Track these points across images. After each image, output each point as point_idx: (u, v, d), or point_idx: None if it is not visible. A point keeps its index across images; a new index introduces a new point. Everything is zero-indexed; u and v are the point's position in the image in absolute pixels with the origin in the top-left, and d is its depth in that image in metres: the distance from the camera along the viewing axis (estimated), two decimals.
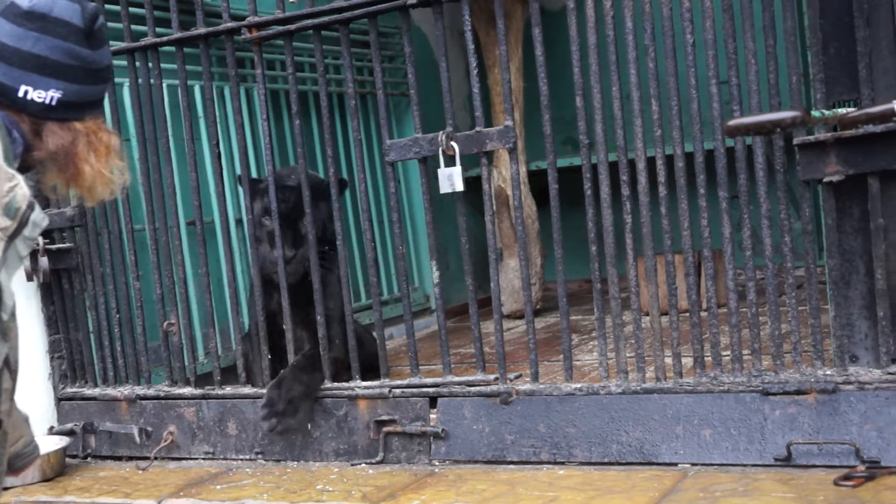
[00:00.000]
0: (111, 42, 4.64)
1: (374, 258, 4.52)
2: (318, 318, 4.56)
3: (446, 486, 3.94)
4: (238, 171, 4.87)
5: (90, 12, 2.81)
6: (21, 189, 2.66)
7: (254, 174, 5.09)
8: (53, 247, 4.99)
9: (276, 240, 4.62)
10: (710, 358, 3.98)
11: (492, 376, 4.26)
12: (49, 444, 4.75)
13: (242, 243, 5.61)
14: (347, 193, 6.52)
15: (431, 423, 4.30)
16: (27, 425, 3.14)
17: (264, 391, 4.52)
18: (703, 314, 4.16)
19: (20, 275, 4.90)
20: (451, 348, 4.71)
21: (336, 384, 4.54)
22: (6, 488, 4.45)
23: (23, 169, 2.84)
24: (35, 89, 2.75)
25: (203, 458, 4.74)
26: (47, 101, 2.77)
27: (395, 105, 7.13)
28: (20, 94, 2.75)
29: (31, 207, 2.70)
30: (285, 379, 4.50)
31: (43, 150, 2.84)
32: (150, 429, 4.85)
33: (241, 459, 4.65)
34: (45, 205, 4.94)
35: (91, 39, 2.82)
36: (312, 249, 4.56)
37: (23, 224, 2.69)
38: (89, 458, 4.96)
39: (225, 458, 4.69)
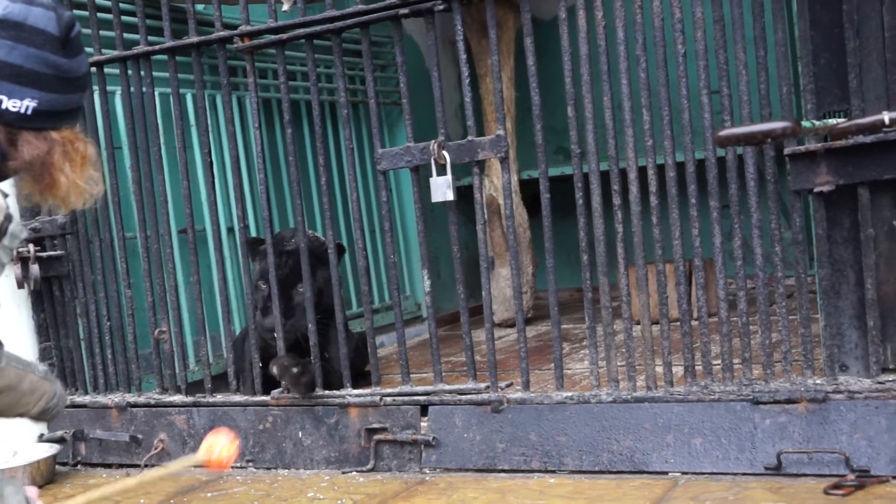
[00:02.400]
0: (104, 50, 4.70)
1: (365, 266, 4.52)
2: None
3: (437, 494, 3.95)
4: (230, 180, 4.86)
5: (66, 21, 2.77)
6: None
7: (245, 183, 5.08)
8: (44, 254, 4.99)
9: (274, 306, 4.66)
10: (700, 367, 3.99)
11: (483, 384, 4.27)
12: (39, 451, 4.75)
13: (234, 252, 5.61)
14: (339, 202, 6.54)
15: (422, 431, 4.31)
16: (46, 380, 3.25)
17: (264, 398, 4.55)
18: (694, 323, 4.17)
19: (10, 282, 4.90)
20: (443, 356, 4.72)
21: (327, 392, 4.55)
22: None
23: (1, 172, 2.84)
24: (10, 98, 2.71)
25: (193, 466, 4.72)
26: (22, 111, 2.73)
27: (387, 114, 7.14)
28: None
29: (8, 219, 2.73)
30: (286, 357, 4.54)
31: (18, 160, 2.80)
32: (140, 436, 4.85)
33: (232, 467, 4.64)
34: (37, 212, 4.95)
35: (67, 48, 2.78)
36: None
37: (2, 234, 2.70)
38: (79, 466, 4.96)
39: None
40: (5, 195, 2.77)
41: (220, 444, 3.30)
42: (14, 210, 2.88)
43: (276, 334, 4.63)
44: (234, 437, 3.33)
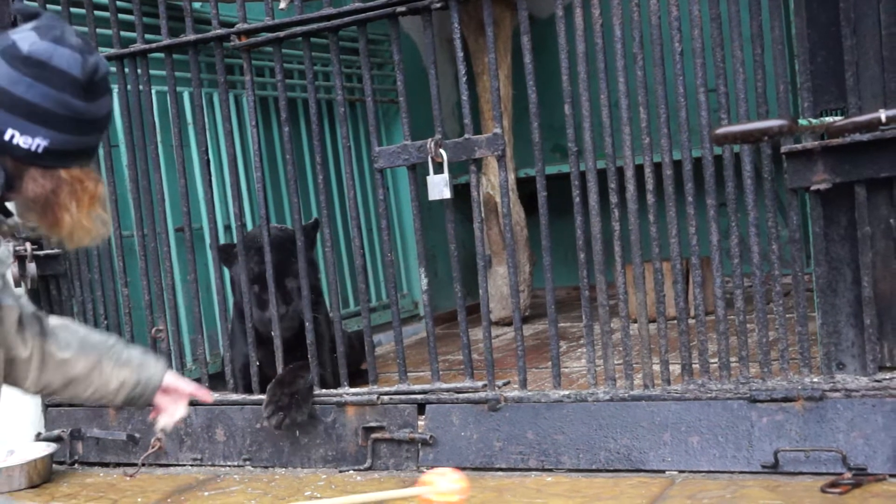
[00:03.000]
0: (100, 49, 4.67)
1: (362, 265, 4.52)
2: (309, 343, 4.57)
3: None
4: (227, 177, 4.86)
5: (91, 65, 2.71)
6: None
7: (242, 182, 5.07)
8: (41, 252, 4.98)
9: (271, 297, 4.66)
10: (697, 365, 3.99)
11: (480, 383, 4.27)
12: (36, 450, 4.75)
13: None
14: (336, 200, 6.53)
15: (420, 430, 4.31)
16: (126, 369, 3.15)
17: (258, 396, 4.54)
18: (691, 321, 4.18)
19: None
20: (440, 355, 4.72)
21: (325, 391, 4.54)
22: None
23: (4, 198, 2.80)
24: (22, 134, 2.67)
25: (191, 465, 4.73)
26: (32, 148, 2.68)
27: (384, 112, 7.13)
28: (6, 136, 2.67)
29: None
30: (285, 377, 4.51)
31: (21, 195, 2.78)
32: (137, 435, 4.84)
33: (229, 466, 4.65)
34: None
35: (88, 91, 2.73)
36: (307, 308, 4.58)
37: None
38: (76, 465, 4.95)
39: (213, 465, 4.69)
40: (7, 214, 2.75)
41: (444, 488, 3.23)
42: None
43: (274, 333, 4.64)
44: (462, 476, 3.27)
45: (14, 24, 4.93)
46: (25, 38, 2.70)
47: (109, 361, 3.13)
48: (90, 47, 2.76)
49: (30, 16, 2.79)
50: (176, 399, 3.25)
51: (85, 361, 3.10)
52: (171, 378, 3.22)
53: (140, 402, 3.20)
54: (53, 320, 3.13)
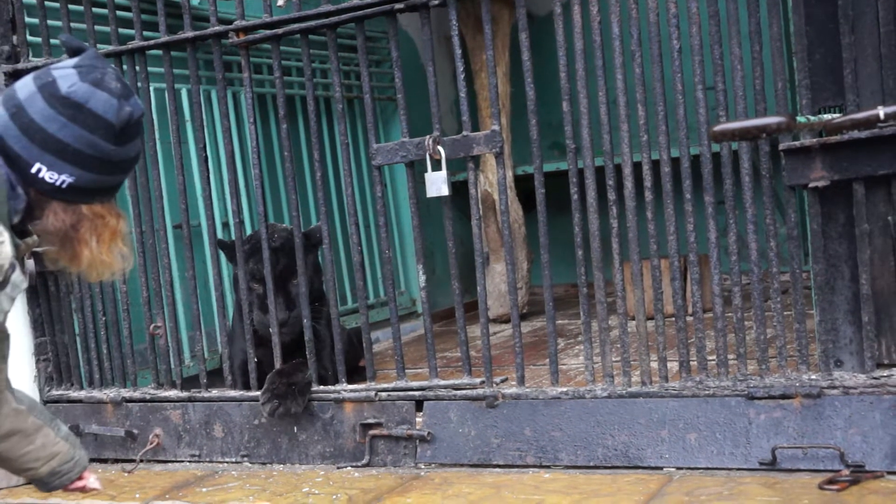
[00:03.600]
0: (98, 46, 4.68)
1: (360, 262, 4.52)
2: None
3: (432, 489, 3.95)
4: (225, 174, 4.86)
5: (126, 112, 2.77)
6: (5, 247, 2.69)
7: (240, 178, 5.07)
8: (40, 249, 4.97)
9: (270, 301, 4.65)
10: (695, 362, 3.99)
11: (478, 380, 4.27)
12: None
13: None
14: (334, 197, 6.53)
15: (417, 427, 4.31)
16: (65, 442, 3.20)
17: (256, 392, 4.55)
18: (689, 319, 4.18)
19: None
20: (438, 352, 4.72)
21: (322, 387, 4.55)
22: None
23: (25, 222, 2.83)
24: (49, 170, 2.72)
25: (189, 461, 4.73)
26: (57, 184, 2.74)
27: (382, 109, 7.13)
28: (33, 170, 2.73)
29: (12, 268, 2.74)
30: (286, 368, 4.52)
31: (41, 226, 2.83)
32: (135, 431, 4.84)
33: (227, 462, 4.65)
34: None
35: (120, 136, 2.79)
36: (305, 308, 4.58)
37: (5, 282, 2.71)
38: None
39: (211, 461, 4.69)
40: (16, 244, 2.77)
41: None
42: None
43: (272, 330, 4.64)
44: None
45: (12, 20, 4.95)
46: (66, 76, 2.76)
47: (52, 430, 3.18)
48: (128, 92, 2.81)
49: (74, 50, 2.83)
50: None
51: (34, 420, 3.13)
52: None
53: (63, 479, 3.23)
54: None
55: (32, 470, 3.17)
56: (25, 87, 2.78)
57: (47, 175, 2.73)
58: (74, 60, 2.81)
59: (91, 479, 3.34)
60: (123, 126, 2.78)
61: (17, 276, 2.80)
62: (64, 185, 2.75)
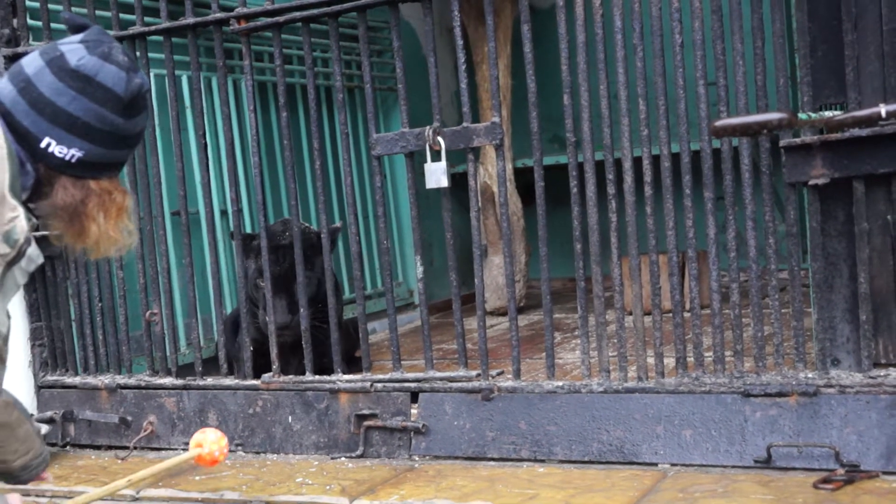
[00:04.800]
0: None
1: (358, 252, 4.52)
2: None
3: (426, 481, 3.94)
4: (224, 162, 4.85)
5: (135, 85, 2.78)
6: (21, 222, 2.69)
7: (239, 166, 5.06)
8: (37, 234, 4.95)
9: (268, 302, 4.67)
10: (692, 358, 3.99)
11: (474, 372, 4.26)
12: None
13: (227, 235, 5.60)
14: (333, 187, 6.52)
15: (412, 418, 4.30)
16: (38, 438, 3.17)
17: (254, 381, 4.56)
18: (687, 315, 4.17)
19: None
20: (434, 344, 4.72)
21: (318, 377, 4.54)
22: None
23: (33, 198, 2.84)
24: (58, 144, 2.73)
25: (182, 449, 4.72)
26: (67, 158, 2.75)
27: (383, 99, 7.12)
28: (42, 144, 2.73)
29: (28, 242, 2.75)
30: None
31: (51, 202, 2.83)
32: (130, 418, 4.83)
33: None
34: None
35: (128, 109, 2.79)
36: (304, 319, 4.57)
37: (20, 255, 2.72)
38: (68, 447, 4.95)
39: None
40: (29, 219, 2.77)
41: (210, 440, 3.25)
42: None
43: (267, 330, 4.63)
44: (222, 434, 3.28)
45: (12, 3, 4.94)
46: (74, 51, 2.76)
47: (30, 426, 3.13)
48: (135, 66, 2.82)
49: (78, 27, 2.84)
50: None
51: (18, 414, 3.08)
52: None
53: (31, 474, 3.15)
54: None
55: (6, 463, 3.10)
56: (33, 62, 2.77)
57: (57, 149, 2.74)
58: (80, 36, 2.82)
59: (48, 475, 3.32)
60: (132, 99, 2.79)
61: (33, 251, 2.82)
62: (73, 160, 2.76)
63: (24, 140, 2.74)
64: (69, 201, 2.82)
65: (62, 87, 2.72)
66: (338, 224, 5.00)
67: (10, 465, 3.12)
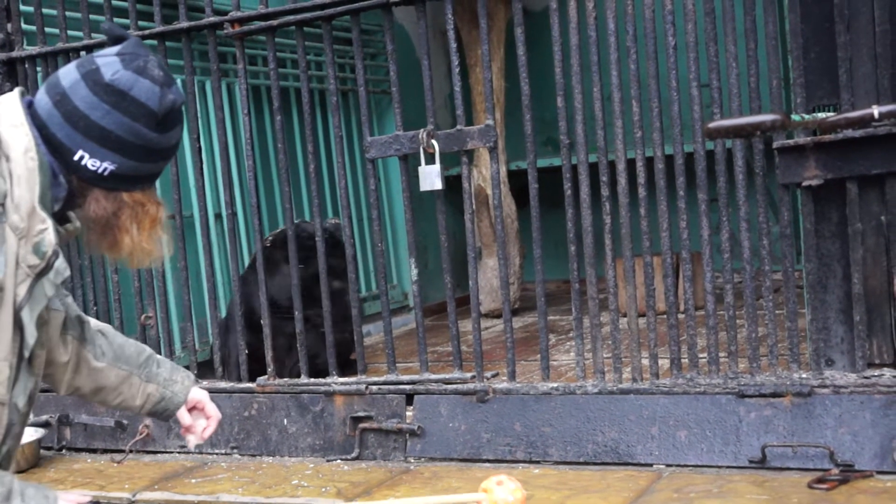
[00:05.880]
0: (93, 35, 4.66)
1: (352, 255, 4.52)
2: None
3: (421, 483, 3.95)
4: (219, 166, 4.85)
5: (169, 101, 2.79)
6: (49, 234, 2.72)
7: (233, 170, 5.07)
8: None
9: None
10: (686, 360, 3.99)
11: (469, 374, 4.27)
12: (23, 435, 4.73)
13: (221, 238, 5.60)
14: (327, 190, 6.53)
15: (408, 421, 4.31)
16: (153, 384, 3.27)
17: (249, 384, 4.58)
18: (681, 316, 4.17)
19: None
20: (429, 346, 4.72)
21: (313, 380, 4.54)
22: None
23: (65, 209, 2.87)
24: (91, 157, 2.74)
25: (178, 452, 4.73)
26: (100, 171, 2.76)
27: (377, 102, 7.13)
28: (75, 157, 2.74)
29: (55, 254, 2.77)
30: None
31: (83, 213, 2.86)
32: (125, 422, 4.83)
33: (217, 454, 4.65)
34: None
35: (162, 124, 2.80)
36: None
37: (49, 266, 2.75)
38: (64, 450, 4.94)
39: (200, 452, 4.68)
40: (57, 231, 2.79)
41: (499, 497, 3.24)
42: None
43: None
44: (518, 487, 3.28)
45: (6, 8, 4.94)
46: (109, 64, 2.77)
47: (139, 376, 3.25)
48: (170, 79, 2.83)
49: (116, 39, 2.86)
50: (200, 415, 3.36)
51: (117, 373, 3.22)
52: (197, 395, 3.33)
53: (163, 416, 3.32)
54: (94, 324, 3.25)
55: (135, 413, 3.31)
56: (69, 74, 2.78)
57: (90, 162, 2.75)
58: (117, 48, 2.82)
59: (197, 425, 3.36)
60: (166, 113, 2.79)
61: (61, 263, 2.83)
62: (106, 173, 2.77)
63: (57, 152, 2.76)
64: (101, 213, 2.84)
65: (96, 101, 2.73)
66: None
67: (140, 413, 3.32)
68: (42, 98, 2.78)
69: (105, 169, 2.76)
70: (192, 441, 3.35)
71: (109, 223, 2.86)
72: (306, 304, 4.61)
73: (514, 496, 3.23)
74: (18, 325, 2.76)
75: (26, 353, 2.80)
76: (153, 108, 2.76)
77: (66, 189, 2.80)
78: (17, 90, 2.84)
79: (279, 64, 4.94)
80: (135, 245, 2.89)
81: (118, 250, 2.90)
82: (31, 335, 2.78)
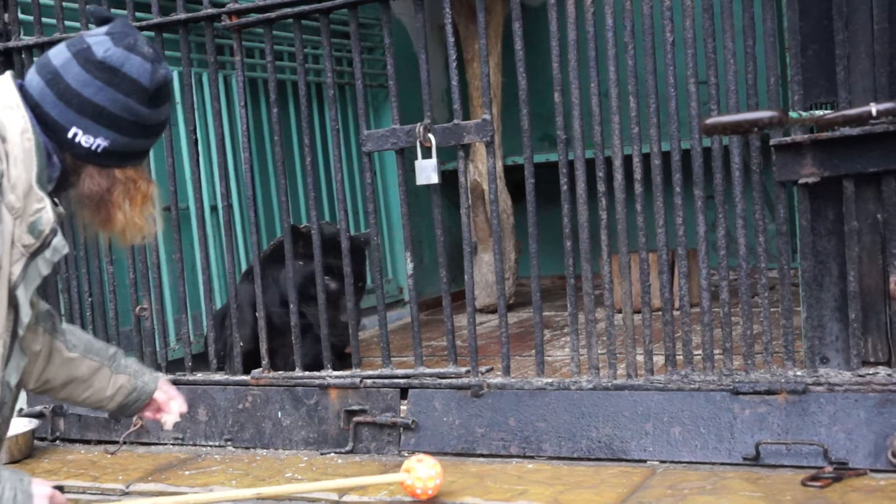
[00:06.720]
0: (91, 25, 4.65)
1: (348, 248, 4.51)
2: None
3: None
4: (215, 158, 4.85)
5: (160, 76, 2.85)
6: (47, 213, 2.79)
7: (229, 162, 5.06)
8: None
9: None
10: (681, 356, 4.00)
11: (463, 369, 4.27)
12: (17, 426, 4.73)
13: (217, 230, 5.59)
14: (323, 183, 6.53)
15: (402, 415, 4.31)
16: (124, 376, 3.34)
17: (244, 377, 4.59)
18: (676, 313, 4.17)
19: None
20: (424, 340, 4.73)
21: (307, 373, 4.54)
22: None
23: (59, 189, 2.92)
24: (84, 134, 2.80)
25: (172, 444, 4.73)
26: (93, 148, 2.82)
27: (374, 96, 7.12)
28: (69, 135, 2.80)
29: (53, 232, 2.83)
30: None
31: (76, 190, 2.91)
32: None
33: (211, 446, 4.65)
34: None
35: (153, 99, 2.86)
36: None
37: (45, 245, 2.82)
38: (58, 441, 4.95)
39: (194, 444, 4.69)
40: (56, 204, 2.83)
41: (418, 475, 3.55)
42: None
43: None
44: (437, 474, 3.57)
45: (4, 1, 4.93)
46: (100, 42, 2.83)
47: (109, 367, 3.31)
48: (159, 56, 2.90)
49: (103, 19, 2.92)
50: (170, 399, 3.45)
51: (88, 363, 3.28)
52: (165, 385, 3.44)
53: (133, 409, 3.38)
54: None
55: (102, 406, 3.35)
56: (60, 54, 2.84)
57: (83, 139, 2.81)
58: (105, 28, 2.89)
59: (171, 405, 3.45)
60: (157, 89, 2.86)
61: (59, 241, 2.88)
62: (99, 149, 2.83)
63: (51, 131, 2.81)
64: (95, 190, 2.90)
65: (89, 79, 2.78)
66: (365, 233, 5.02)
67: (108, 408, 3.38)
68: (33, 79, 2.83)
69: (98, 145, 2.81)
70: (169, 421, 3.42)
71: (103, 199, 2.91)
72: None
73: (434, 470, 3.60)
74: (13, 304, 2.82)
75: (20, 332, 2.87)
76: (145, 83, 2.82)
77: (59, 169, 2.85)
78: (8, 73, 2.89)
79: (276, 56, 4.94)
80: (127, 221, 2.95)
81: (111, 226, 2.96)
82: (25, 314, 2.86)
